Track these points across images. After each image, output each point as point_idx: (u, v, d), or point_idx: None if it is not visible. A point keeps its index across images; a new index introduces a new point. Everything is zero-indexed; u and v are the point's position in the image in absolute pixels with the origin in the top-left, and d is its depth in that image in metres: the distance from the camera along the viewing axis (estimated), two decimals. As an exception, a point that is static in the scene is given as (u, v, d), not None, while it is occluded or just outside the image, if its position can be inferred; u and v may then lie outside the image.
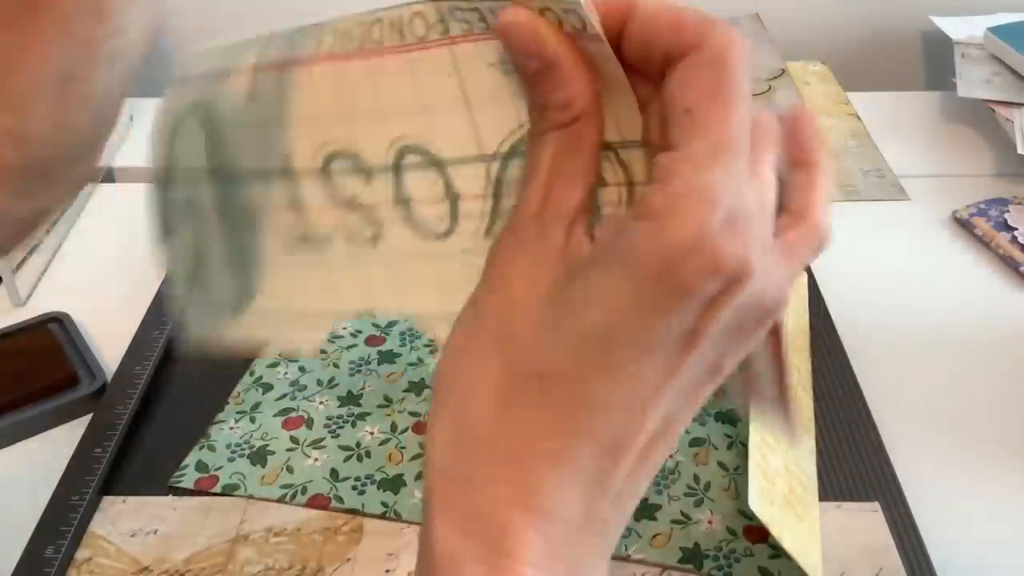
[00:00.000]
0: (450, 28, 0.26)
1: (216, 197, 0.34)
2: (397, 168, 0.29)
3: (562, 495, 0.23)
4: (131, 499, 0.50)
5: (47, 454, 0.53)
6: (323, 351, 0.59)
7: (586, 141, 0.24)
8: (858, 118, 0.85)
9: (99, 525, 0.48)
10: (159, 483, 0.51)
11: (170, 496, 0.50)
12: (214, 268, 0.35)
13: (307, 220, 0.32)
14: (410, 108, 0.28)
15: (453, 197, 0.29)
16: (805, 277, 0.63)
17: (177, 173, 0.35)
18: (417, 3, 0.26)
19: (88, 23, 0.25)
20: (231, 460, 0.52)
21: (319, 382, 0.57)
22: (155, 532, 0.48)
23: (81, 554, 0.47)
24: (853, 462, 0.51)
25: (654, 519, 0.48)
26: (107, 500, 0.50)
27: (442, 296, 0.30)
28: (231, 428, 0.54)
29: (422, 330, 0.38)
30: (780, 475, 0.45)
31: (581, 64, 0.24)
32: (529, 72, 0.24)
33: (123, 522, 0.48)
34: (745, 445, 0.47)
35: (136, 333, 0.60)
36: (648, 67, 0.24)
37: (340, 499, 0.49)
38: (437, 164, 0.29)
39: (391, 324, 0.60)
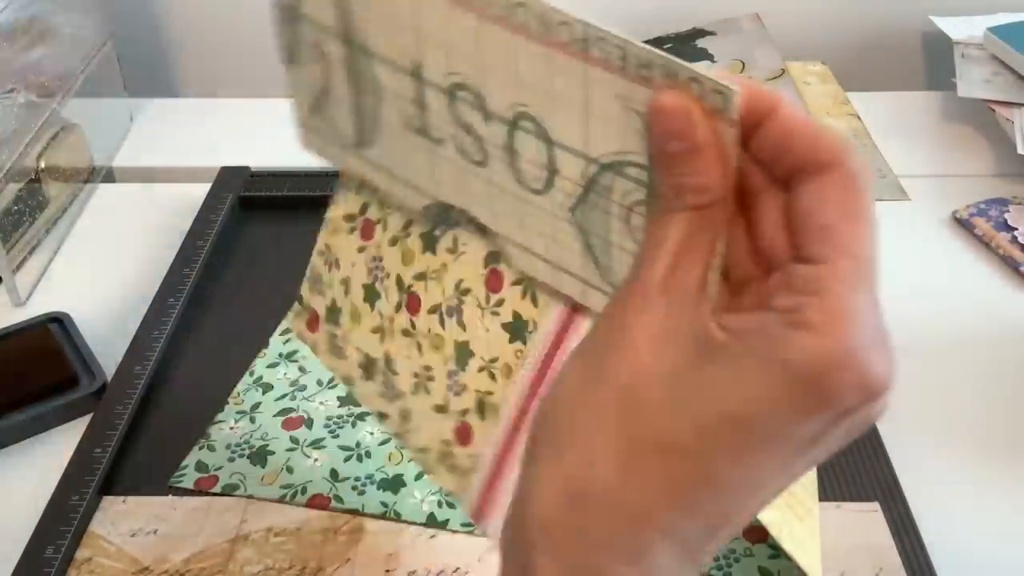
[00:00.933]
0: (590, 50, 0.28)
1: (345, 57, 0.36)
2: (514, 124, 0.32)
3: (664, 559, 0.25)
4: (131, 499, 0.50)
5: (47, 454, 0.53)
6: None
7: (714, 224, 0.25)
8: (858, 118, 0.85)
9: (99, 525, 0.48)
10: (159, 483, 0.51)
11: (170, 496, 0.50)
12: (337, 107, 0.38)
13: (427, 119, 0.35)
14: (539, 87, 0.30)
15: (552, 170, 0.31)
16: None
17: (306, 18, 0.37)
18: (564, 14, 0.28)
19: None
20: (231, 460, 0.52)
21: (319, 382, 0.57)
22: (155, 532, 0.48)
23: (81, 554, 0.47)
24: (853, 462, 0.51)
25: (654, 519, 0.48)
26: (107, 500, 0.50)
27: (524, 232, 0.34)
28: (231, 428, 0.54)
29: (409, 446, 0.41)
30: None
31: (722, 151, 0.25)
32: (670, 151, 0.25)
33: (123, 522, 0.49)
34: (745, 445, 0.47)
35: (136, 333, 0.60)
36: (773, 167, 0.25)
37: (340, 499, 0.49)
38: (547, 139, 0.31)
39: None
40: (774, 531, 0.41)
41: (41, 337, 0.59)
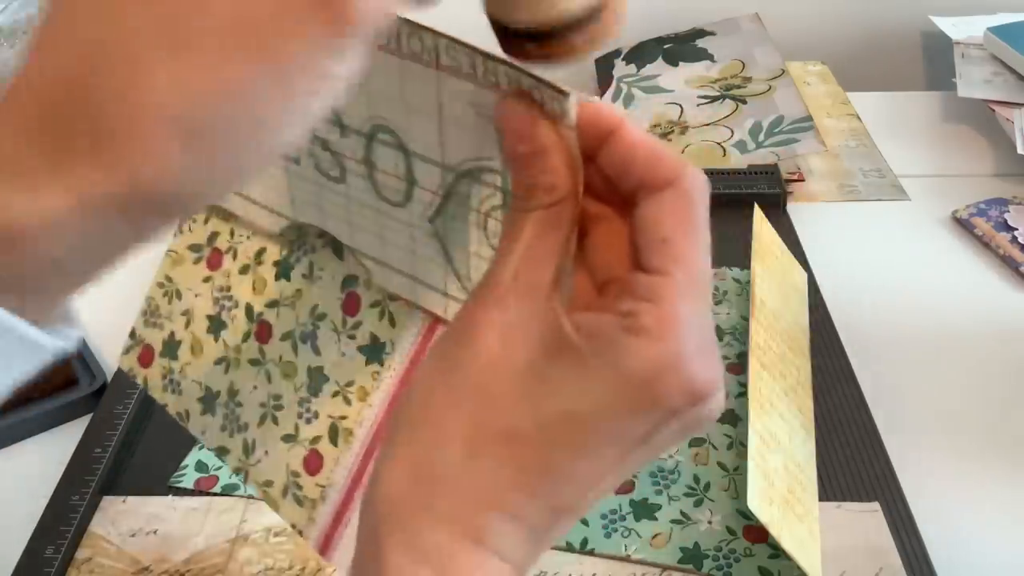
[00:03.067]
0: (440, 58, 0.28)
1: None
2: (371, 138, 0.32)
3: (510, 540, 0.26)
4: (131, 499, 0.50)
5: (47, 454, 0.53)
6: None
7: (564, 221, 0.27)
8: (858, 118, 0.85)
9: (99, 525, 0.48)
10: (159, 483, 0.51)
11: (170, 496, 0.50)
12: None
13: None
14: (393, 98, 0.30)
15: (411, 180, 0.32)
16: (805, 277, 0.63)
17: None
18: (415, 25, 0.28)
19: (331, 63, 0.23)
20: (231, 460, 0.52)
21: (319, 382, 0.57)
22: (155, 532, 0.48)
23: (81, 554, 0.47)
24: (853, 462, 0.51)
25: (654, 519, 0.48)
26: (107, 500, 0.50)
27: (383, 247, 0.34)
28: (231, 428, 0.54)
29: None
30: (780, 475, 0.45)
31: (567, 152, 0.27)
32: (518, 153, 0.27)
33: (123, 522, 0.49)
34: (745, 446, 0.47)
35: (136, 333, 0.60)
36: (618, 183, 0.27)
37: (340, 499, 0.49)
38: (404, 150, 0.31)
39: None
40: (774, 531, 0.41)
41: (41, 337, 0.59)
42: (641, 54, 0.93)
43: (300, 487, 0.38)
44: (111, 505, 0.49)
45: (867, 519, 0.48)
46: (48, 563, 0.45)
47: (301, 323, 0.38)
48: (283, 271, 0.39)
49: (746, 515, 0.48)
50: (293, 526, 0.38)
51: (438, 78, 0.29)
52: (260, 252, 0.40)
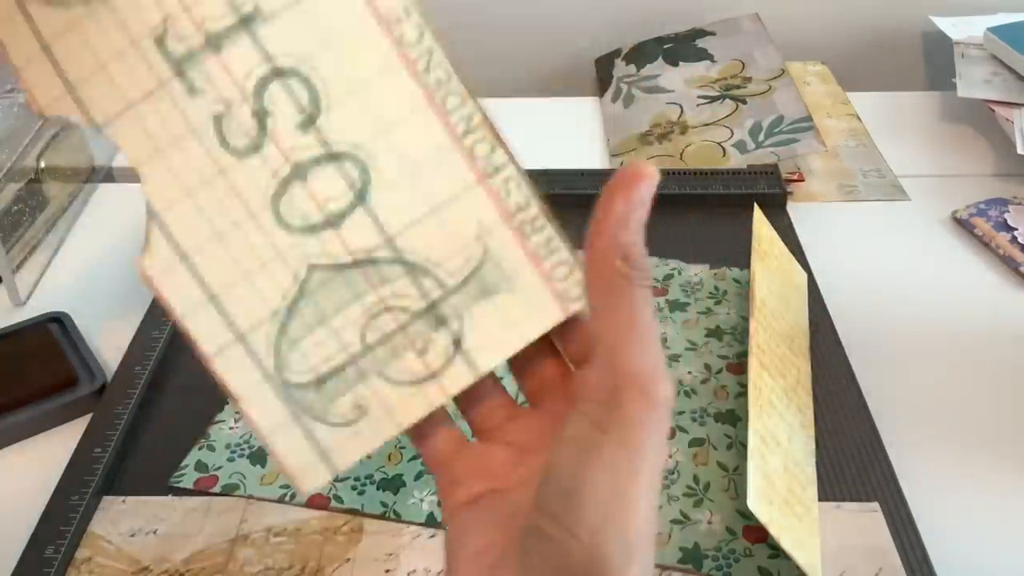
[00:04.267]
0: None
1: None
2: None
3: None
4: (131, 499, 0.50)
5: (47, 454, 0.53)
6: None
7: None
8: (858, 118, 0.85)
9: (99, 525, 0.48)
10: (159, 483, 0.51)
11: (170, 496, 0.50)
12: None
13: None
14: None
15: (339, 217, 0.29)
16: (805, 277, 0.63)
17: None
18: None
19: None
20: (231, 460, 0.52)
21: (319, 382, 0.57)
22: (155, 532, 0.48)
23: (81, 554, 0.47)
24: (853, 463, 0.51)
25: (654, 519, 0.48)
26: (107, 500, 0.50)
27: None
28: (231, 428, 0.54)
29: None
30: (779, 475, 0.45)
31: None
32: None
33: (123, 522, 0.49)
34: (744, 446, 0.47)
35: (136, 333, 0.60)
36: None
37: (340, 499, 0.49)
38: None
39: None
40: (773, 531, 0.41)
41: (41, 337, 0.59)
42: (641, 54, 0.93)
43: None
44: (111, 505, 0.49)
45: (867, 519, 0.48)
46: (48, 563, 0.45)
47: None
48: None
49: (746, 515, 0.48)
50: None
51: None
52: None
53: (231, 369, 0.29)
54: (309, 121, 0.28)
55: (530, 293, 0.29)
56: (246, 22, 0.27)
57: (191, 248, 0.28)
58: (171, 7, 0.27)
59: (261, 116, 0.28)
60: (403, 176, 0.29)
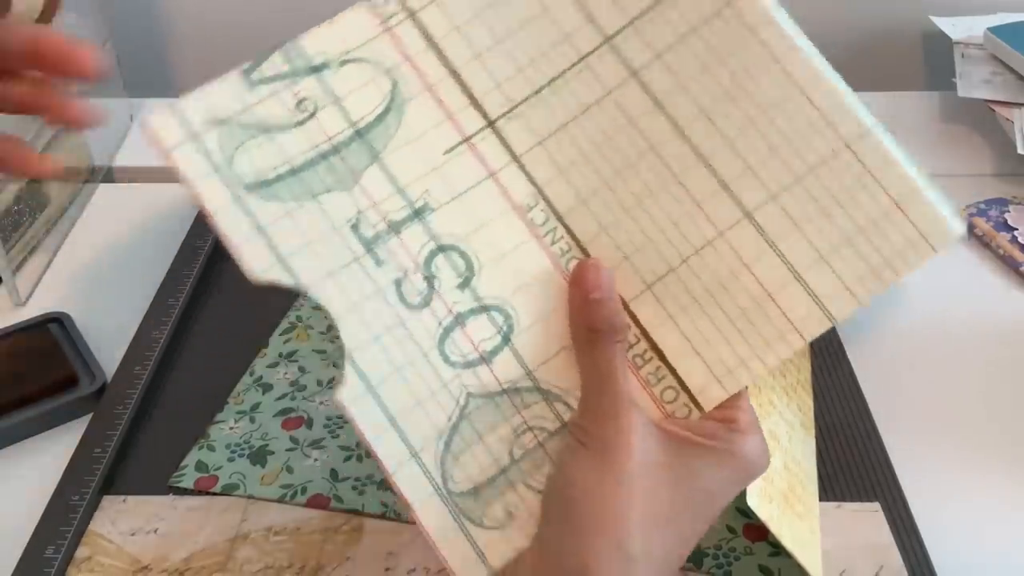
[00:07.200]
0: None
1: None
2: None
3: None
4: (131, 498, 0.50)
5: (47, 454, 0.53)
6: (323, 351, 0.59)
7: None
8: (858, 118, 0.84)
9: (99, 524, 0.48)
10: (159, 483, 0.51)
11: (170, 496, 0.50)
12: None
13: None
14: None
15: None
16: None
17: None
18: None
19: None
20: (231, 460, 0.52)
21: (319, 382, 0.57)
22: (155, 531, 0.48)
23: (81, 553, 0.47)
24: (853, 462, 0.51)
25: (654, 518, 0.48)
26: (107, 499, 0.50)
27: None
28: (231, 428, 0.54)
29: None
30: (779, 474, 0.45)
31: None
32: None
33: (123, 521, 0.49)
34: (745, 444, 0.47)
35: (136, 333, 0.60)
36: None
37: (340, 499, 0.49)
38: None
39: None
40: (774, 528, 0.41)
41: (41, 337, 0.59)
42: (641, 54, 0.92)
43: None
44: (111, 504, 0.49)
45: (867, 519, 0.48)
46: (48, 563, 0.45)
47: None
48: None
49: (746, 513, 0.48)
50: None
51: None
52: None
53: (407, 483, 0.35)
54: (465, 283, 0.36)
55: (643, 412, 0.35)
56: (419, 213, 0.36)
57: (376, 381, 0.35)
58: (363, 204, 0.36)
59: (430, 280, 0.36)
60: (536, 323, 0.36)
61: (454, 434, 0.35)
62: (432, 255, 0.36)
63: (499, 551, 0.35)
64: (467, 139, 0.37)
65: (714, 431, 0.34)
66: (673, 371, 0.36)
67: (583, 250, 0.37)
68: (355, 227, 0.36)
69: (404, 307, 0.35)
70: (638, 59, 0.36)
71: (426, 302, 0.36)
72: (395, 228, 0.36)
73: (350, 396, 0.35)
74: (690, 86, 0.36)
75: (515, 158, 0.37)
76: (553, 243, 0.37)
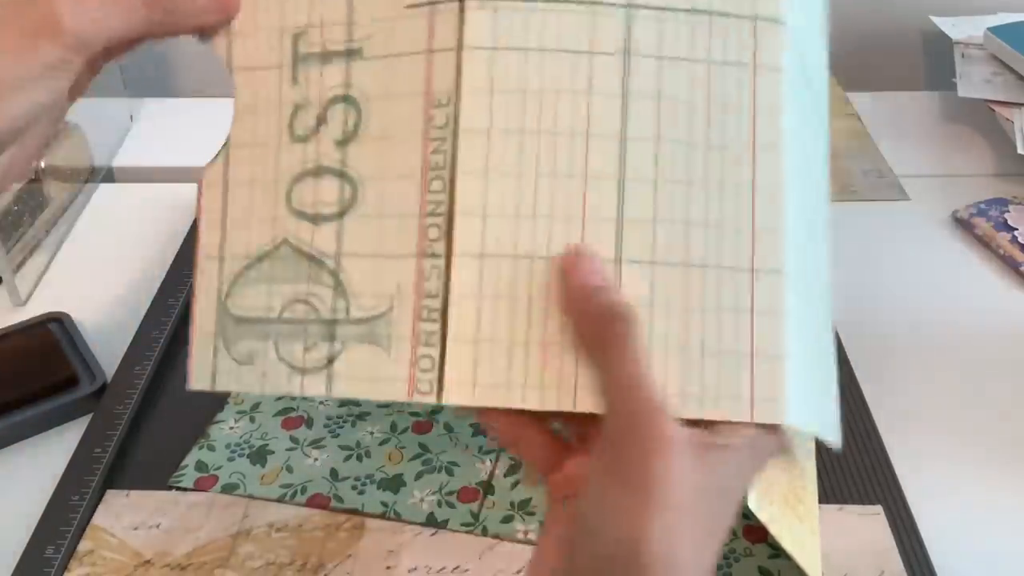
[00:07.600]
0: None
1: None
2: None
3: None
4: (134, 493, 0.50)
5: (47, 454, 0.53)
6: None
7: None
8: (858, 118, 0.85)
9: (102, 518, 0.48)
10: (159, 483, 0.51)
11: (173, 491, 0.50)
12: None
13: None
14: None
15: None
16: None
17: None
18: None
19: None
20: (231, 460, 0.52)
21: (319, 382, 0.57)
22: (158, 526, 0.48)
23: (84, 546, 0.47)
24: (854, 464, 0.51)
25: (654, 518, 0.48)
26: (110, 494, 0.50)
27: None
28: (231, 428, 0.54)
29: None
30: (780, 475, 0.45)
31: None
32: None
33: (126, 516, 0.49)
34: (745, 444, 0.47)
35: (136, 333, 0.60)
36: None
37: (340, 499, 0.49)
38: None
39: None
40: (774, 530, 0.41)
41: (41, 337, 0.59)
42: (641, 54, 0.92)
43: None
44: (114, 499, 0.49)
45: (869, 522, 0.48)
46: (48, 563, 0.45)
47: None
48: None
49: (746, 514, 0.48)
50: None
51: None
52: None
53: (204, 275, 0.36)
54: (345, 142, 0.35)
55: (396, 364, 0.33)
56: (350, 54, 0.35)
57: (231, 180, 0.36)
58: (314, 19, 0.36)
59: (320, 121, 0.35)
60: (374, 217, 0.34)
61: (255, 264, 0.36)
62: (335, 100, 0.35)
63: (228, 382, 0.36)
64: (432, 2, 0.34)
65: (732, 429, 0.32)
66: (443, 356, 0.33)
67: (453, 179, 0.33)
68: (296, 37, 0.36)
69: (288, 133, 0.36)
70: (642, 44, 0.33)
71: (305, 139, 0.35)
72: (325, 59, 0.35)
73: (208, 179, 0.37)
74: (664, 105, 0.33)
75: (459, 47, 0.33)
76: (435, 152, 0.33)
